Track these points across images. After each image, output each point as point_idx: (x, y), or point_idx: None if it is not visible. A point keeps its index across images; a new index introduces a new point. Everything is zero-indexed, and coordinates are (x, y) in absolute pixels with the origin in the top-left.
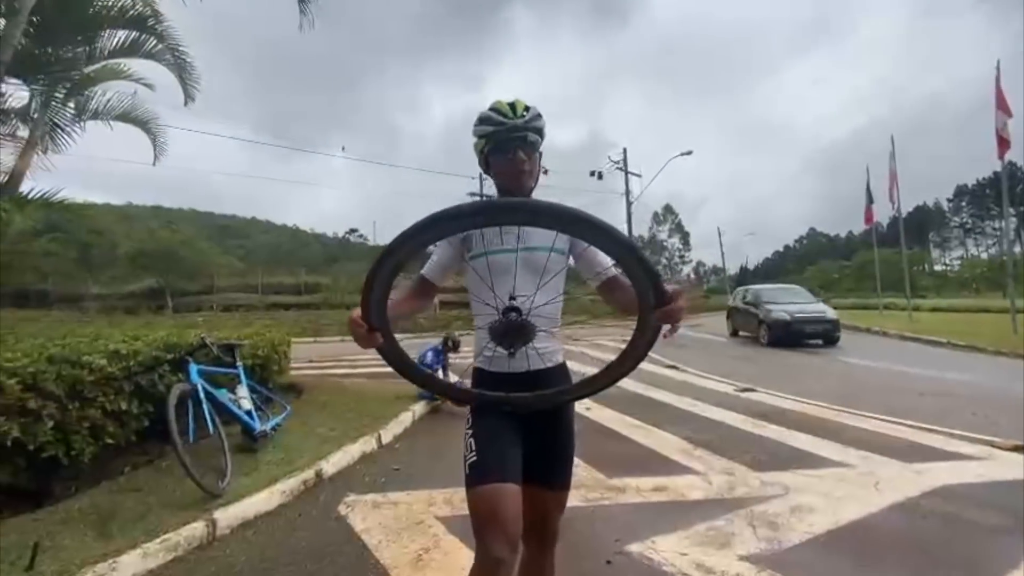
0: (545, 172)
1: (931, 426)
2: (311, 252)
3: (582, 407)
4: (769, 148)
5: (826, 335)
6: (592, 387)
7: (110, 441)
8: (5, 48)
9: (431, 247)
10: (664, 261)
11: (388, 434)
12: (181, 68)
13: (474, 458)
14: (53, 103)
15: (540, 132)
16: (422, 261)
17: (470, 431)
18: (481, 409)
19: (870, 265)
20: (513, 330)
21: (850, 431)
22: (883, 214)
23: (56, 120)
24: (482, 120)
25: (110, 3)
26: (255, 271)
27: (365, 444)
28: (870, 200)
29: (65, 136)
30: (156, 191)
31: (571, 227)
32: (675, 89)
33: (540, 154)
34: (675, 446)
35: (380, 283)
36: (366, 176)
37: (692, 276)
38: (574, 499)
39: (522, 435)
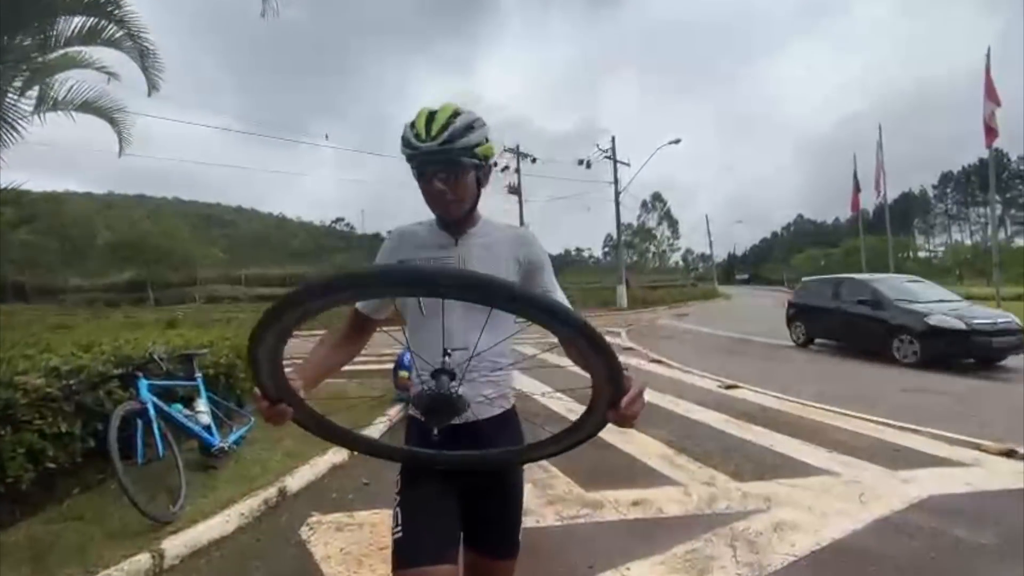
0: (533, 161)
1: (916, 426)
2: (298, 242)
3: (564, 409)
4: (758, 135)
5: (1016, 349)
6: (541, 452)
7: (51, 465)
8: None
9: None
10: (653, 249)
11: (380, 424)
12: (143, 56)
13: (399, 534)
14: (5, 94)
15: (468, 150)
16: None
17: (397, 498)
18: (412, 469)
19: (856, 252)
20: (439, 406)
21: (833, 432)
22: (869, 201)
23: (5, 114)
24: (401, 139)
25: None
26: (240, 262)
27: (336, 455)
28: (857, 188)
29: (17, 131)
30: (139, 180)
31: (508, 305)
32: (667, 75)
33: (486, 168)
34: (656, 451)
35: (266, 356)
36: (353, 163)
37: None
38: (549, 517)
39: (460, 498)
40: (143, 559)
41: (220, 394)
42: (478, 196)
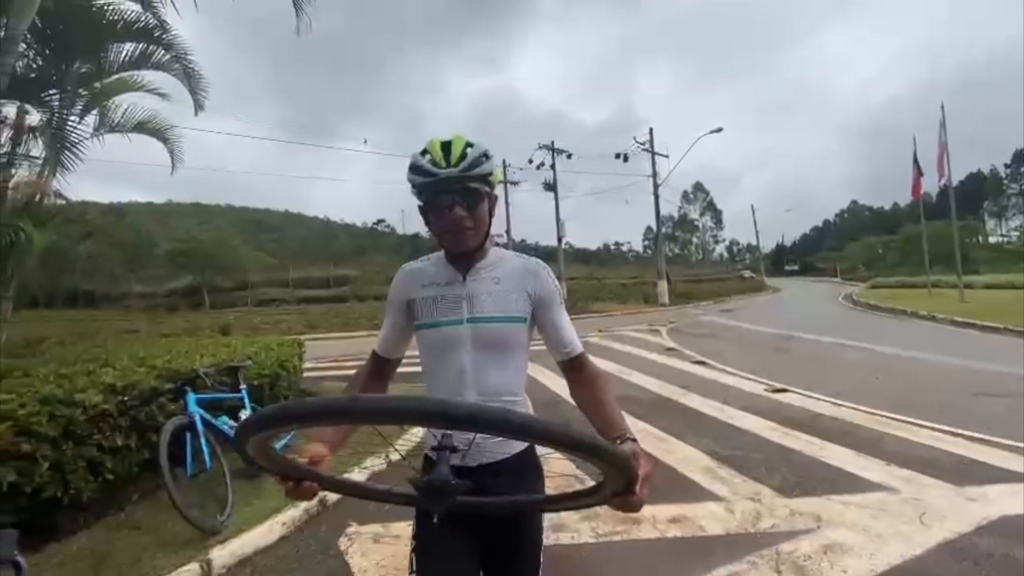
0: (568, 157)
1: (987, 436)
2: (340, 243)
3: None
4: (806, 118)
5: None
6: (554, 504)
7: (110, 476)
8: (1, 77)
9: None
10: (695, 241)
11: (395, 452)
12: (189, 77)
13: None
14: (66, 120)
15: (483, 179)
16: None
17: (413, 542)
18: (426, 513)
19: (917, 239)
20: (438, 490)
21: (892, 443)
22: (932, 183)
23: (66, 137)
24: (412, 167)
25: (116, 16)
26: (286, 265)
27: (374, 462)
28: (919, 171)
29: (74, 153)
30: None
31: (520, 437)
32: (706, 60)
33: (494, 198)
34: (698, 463)
35: (261, 456)
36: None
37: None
38: (584, 533)
39: (477, 541)
40: (193, 569)
41: (264, 404)
42: (489, 227)
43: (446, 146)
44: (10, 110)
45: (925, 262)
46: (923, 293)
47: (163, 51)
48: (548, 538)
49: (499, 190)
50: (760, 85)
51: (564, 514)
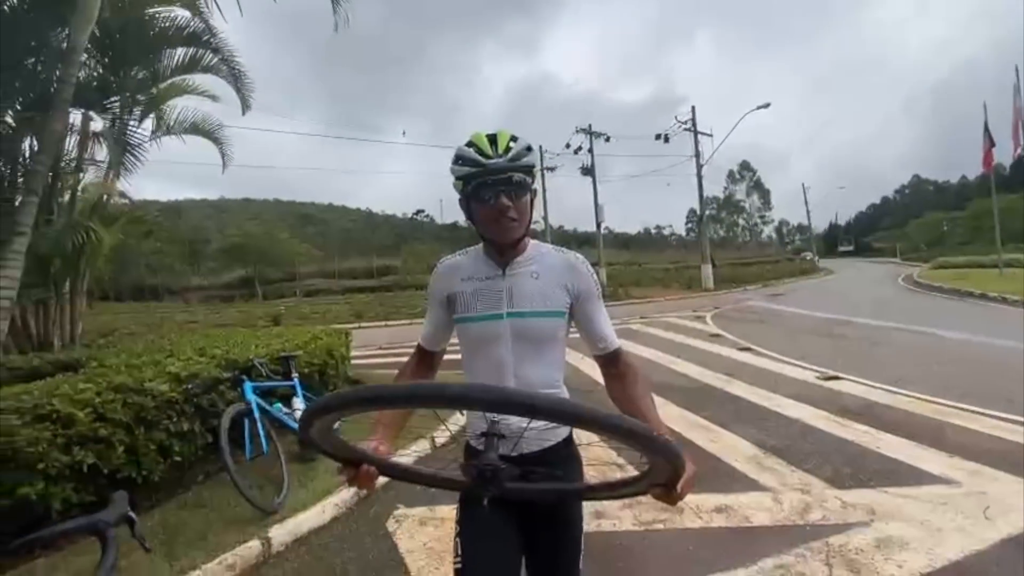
0: (607, 140)
1: None
2: (382, 234)
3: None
4: (866, 87)
5: None
6: (596, 492)
7: (178, 459)
8: (65, 87)
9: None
10: (742, 223)
11: (442, 435)
12: (236, 78)
13: (459, 565)
14: (126, 125)
15: (528, 170)
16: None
17: (457, 527)
18: (470, 499)
19: (988, 215)
20: (488, 475)
21: (955, 433)
22: (1006, 154)
23: (127, 141)
24: (458, 159)
25: (168, 23)
26: (331, 257)
27: (419, 446)
28: (990, 141)
29: (135, 156)
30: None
31: (577, 425)
32: (751, 31)
33: (534, 191)
34: (743, 453)
35: (322, 440)
36: (429, 156)
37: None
38: (626, 521)
39: (519, 527)
40: (254, 545)
41: (315, 391)
42: (531, 220)
43: (492, 138)
44: (76, 118)
45: (996, 239)
46: (993, 273)
47: (211, 54)
48: (589, 525)
49: (536, 181)
50: (814, 54)
51: (605, 502)
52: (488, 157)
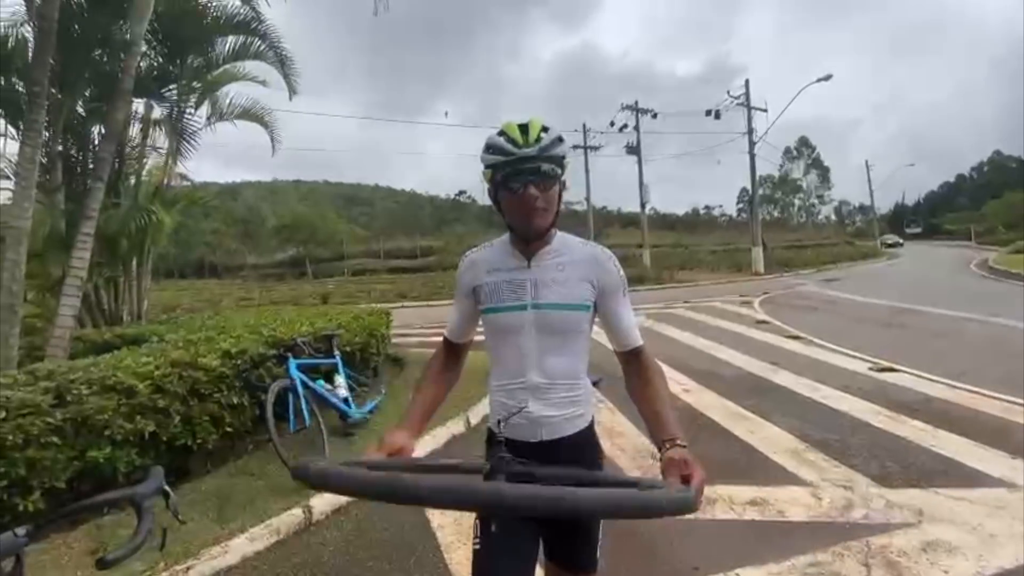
0: (653, 116)
1: None
2: (425, 215)
3: (680, 388)
4: (936, 54)
5: None
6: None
7: (229, 429)
8: (127, 77)
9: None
10: (798, 203)
11: (476, 415)
12: (283, 63)
13: (478, 545)
14: (183, 112)
15: (558, 161)
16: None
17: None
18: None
19: None
20: (514, 474)
21: (1022, 433)
22: None
23: (185, 128)
24: (489, 147)
25: (219, 12)
26: (377, 238)
27: (453, 426)
28: None
29: (189, 143)
30: (296, 166)
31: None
32: None
33: (563, 183)
34: (783, 445)
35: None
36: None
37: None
38: None
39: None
40: (297, 513)
41: (356, 369)
42: (559, 212)
43: (523, 127)
44: (139, 107)
45: None
46: None
47: (259, 41)
48: None
49: (578, 155)
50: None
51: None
52: (518, 146)
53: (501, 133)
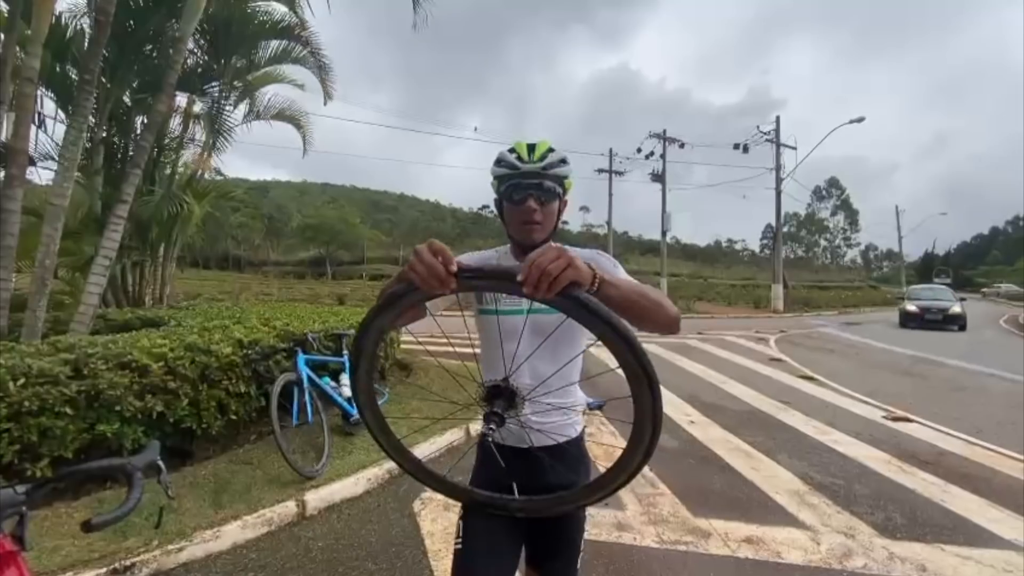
0: (681, 146)
1: None
2: (445, 226)
3: (686, 419)
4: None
5: None
6: (597, 494)
7: (234, 417)
8: (172, 72)
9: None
10: (823, 243)
11: (477, 425)
12: (321, 70)
13: (460, 546)
14: (223, 109)
15: (560, 180)
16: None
17: (462, 510)
18: (479, 481)
19: None
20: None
21: None
22: None
23: (223, 124)
24: (499, 161)
25: (266, 17)
26: (398, 244)
27: (453, 435)
28: None
29: (225, 138)
30: (325, 170)
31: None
32: (860, 32)
33: (563, 202)
34: (785, 485)
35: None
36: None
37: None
38: (648, 537)
39: (520, 519)
40: (291, 506)
41: None
42: (556, 227)
43: (531, 146)
44: (181, 100)
45: None
46: None
47: (301, 47)
48: (609, 535)
49: (603, 179)
50: (927, 61)
51: (629, 514)
52: (524, 162)
53: (512, 150)
